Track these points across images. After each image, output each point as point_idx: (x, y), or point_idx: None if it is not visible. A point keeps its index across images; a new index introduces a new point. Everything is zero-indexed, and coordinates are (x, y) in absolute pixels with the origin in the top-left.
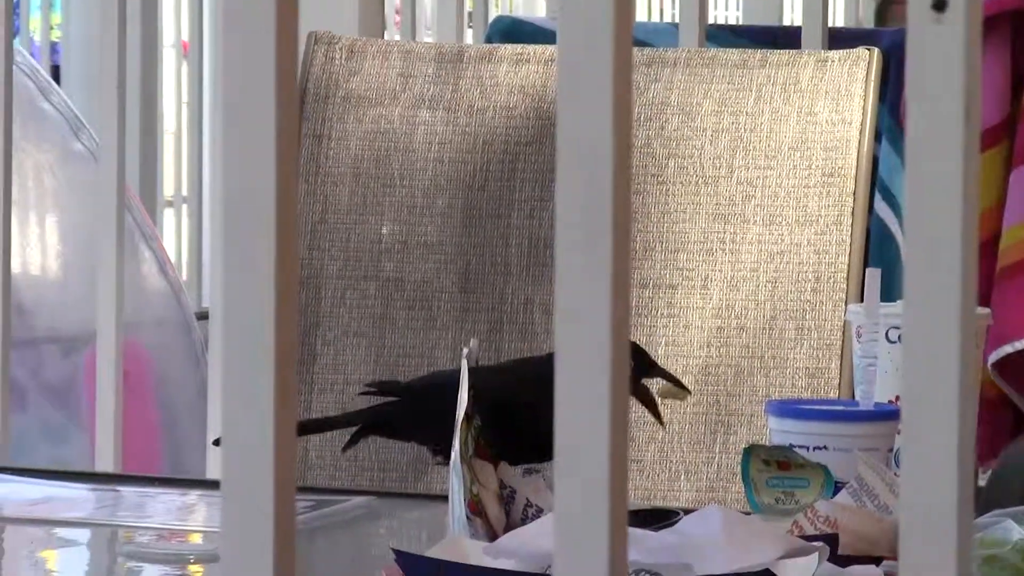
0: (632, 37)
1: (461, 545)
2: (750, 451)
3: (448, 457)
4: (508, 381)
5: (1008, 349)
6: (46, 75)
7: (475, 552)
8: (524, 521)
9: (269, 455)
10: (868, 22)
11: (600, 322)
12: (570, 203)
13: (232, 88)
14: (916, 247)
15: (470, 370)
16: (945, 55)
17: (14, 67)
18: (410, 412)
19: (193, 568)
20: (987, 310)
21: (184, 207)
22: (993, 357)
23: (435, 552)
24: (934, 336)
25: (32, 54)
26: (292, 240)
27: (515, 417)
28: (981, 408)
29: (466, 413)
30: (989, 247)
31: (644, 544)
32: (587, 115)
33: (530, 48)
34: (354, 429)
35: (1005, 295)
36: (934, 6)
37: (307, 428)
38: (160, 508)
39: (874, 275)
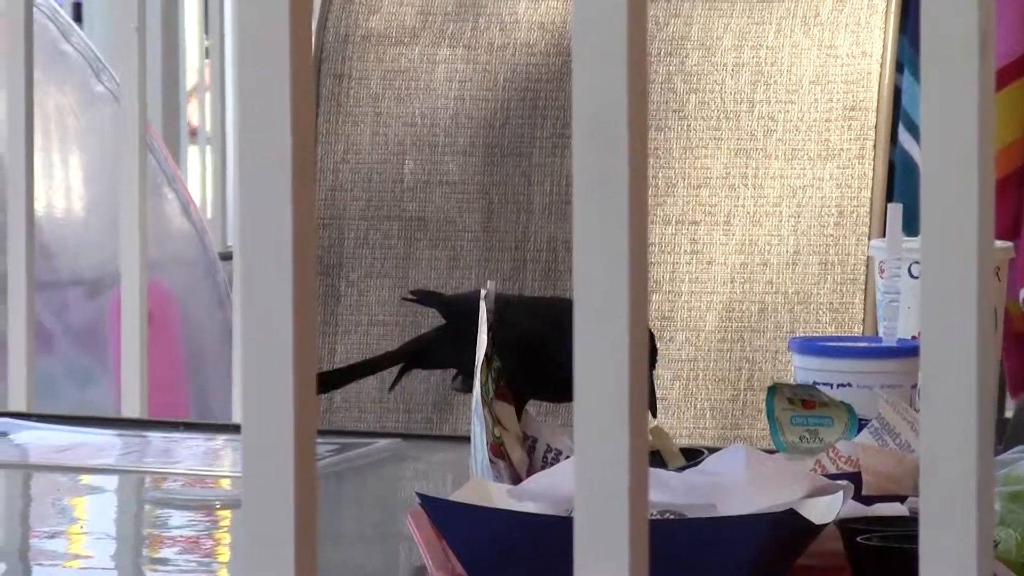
0: None
1: (485, 488)
2: (774, 390)
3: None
4: (538, 317)
5: None
6: (66, 16)
7: (499, 495)
8: (545, 467)
9: (289, 397)
10: None
11: (618, 259)
12: (586, 142)
13: (246, 26)
14: (932, 182)
15: (499, 300)
16: None
17: (34, 9)
18: (449, 337)
19: (220, 514)
20: (1009, 243)
21: (208, 146)
22: None
23: (459, 496)
24: (952, 271)
25: None
26: (309, 179)
27: (541, 354)
28: (1010, 341)
29: (486, 355)
30: (1015, 180)
31: (668, 484)
32: (602, 51)
33: None
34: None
35: None
36: None
37: (351, 373)
38: (187, 453)
39: (896, 210)
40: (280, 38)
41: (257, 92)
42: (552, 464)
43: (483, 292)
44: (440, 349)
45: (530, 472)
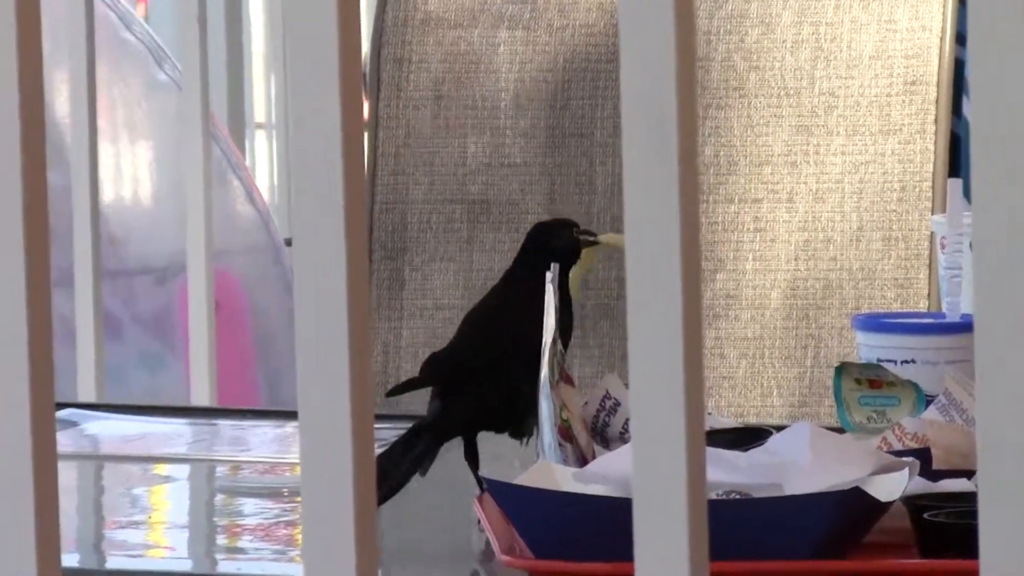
0: None
1: (552, 472)
2: (841, 369)
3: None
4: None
5: None
6: (127, 4)
7: (565, 478)
8: (602, 414)
9: (345, 382)
10: None
11: (671, 240)
12: (636, 121)
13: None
14: (982, 153)
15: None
16: None
17: None
18: (450, 409)
19: (293, 501)
20: None
21: (274, 132)
22: None
23: (525, 479)
24: (1002, 244)
25: None
26: (358, 164)
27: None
28: None
29: (553, 337)
30: None
31: (734, 464)
32: (649, 33)
33: None
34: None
35: None
36: None
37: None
38: (257, 441)
39: (955, 185)
40: (328, 24)
41: (306, 80)
42: (611, 413)
43: (549, 275)
44: (450, 422)
45: (606, 442)
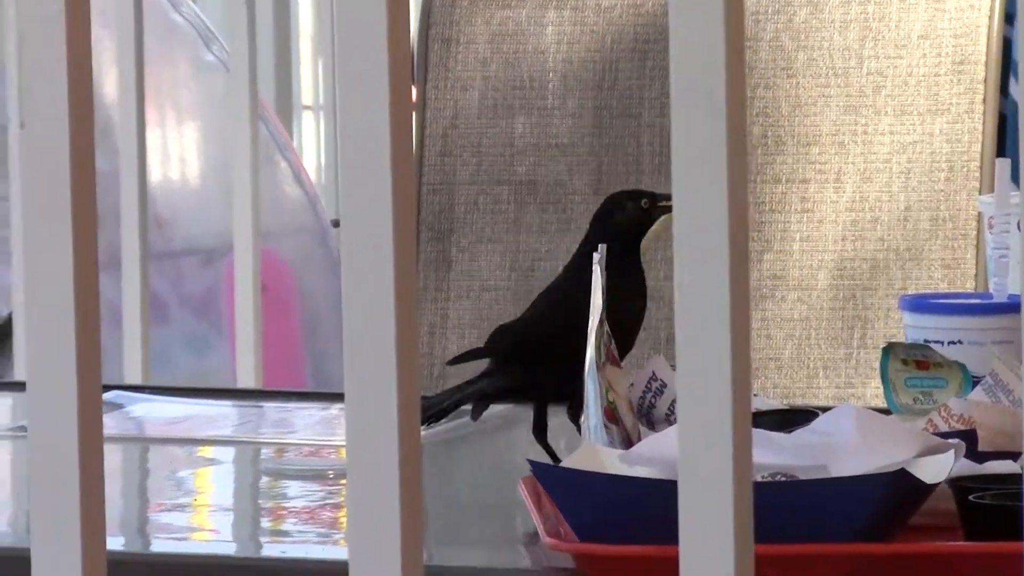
0: None
1: (597, 454)
2: (889, 350)
3: (576, 412)
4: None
5: None
6: None
7: (611, 460)
8: (648, 395)
9: (392, 364)
10: None
11: (719, 222)
12: (685, 101)
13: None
14: None
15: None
16: None
17: None
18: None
19: (339, 483)
20: None
21: (321, 113)
22: None
23: (571, 461)
24: None
25: None
26: (407, 145)
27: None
28: None
29: (600, 318)
30: None
31: (779, 446)
32: (699, 8)
33: None
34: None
35: None
36: None
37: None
38: (302, 423)
39: (1004, 165)
40: (377, 5)
41: (355, 61)
42: (657, 394)
43: (596, 256)
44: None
45: (652, 423)
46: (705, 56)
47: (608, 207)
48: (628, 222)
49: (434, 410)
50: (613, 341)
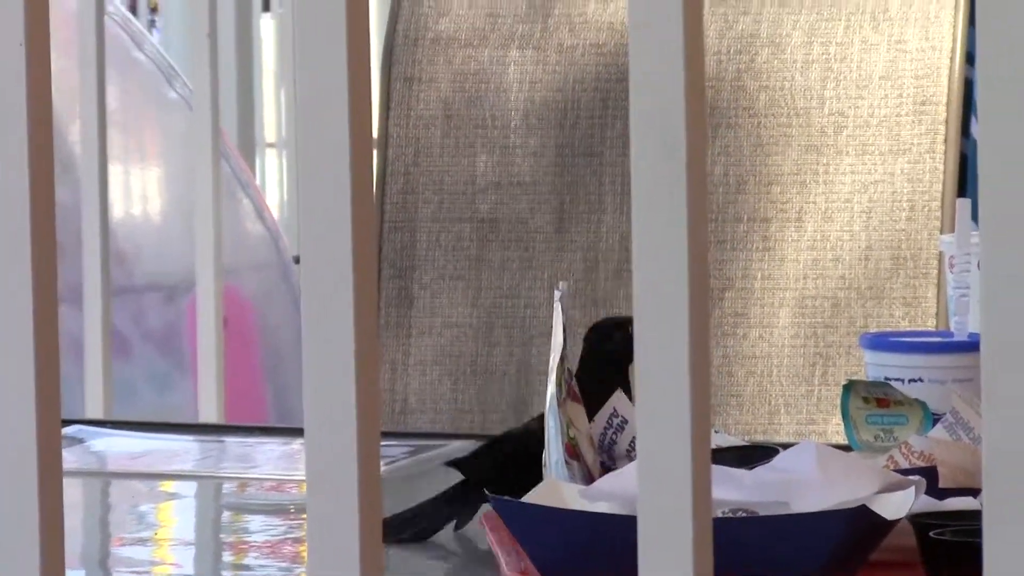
0: None
1: (558, 489)
2: (849, 388)
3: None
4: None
5: None
6: (138, 24)
7: (572, 496)
8: (609, 432)
9: (351, 400)
10: None
11: (679, 261)
12: (645, 141)
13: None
14: (989, 175)
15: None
16: None
17: (106, 18)
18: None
19: (300, 518)
20: None
21: (284, 150)
22: None
23: (532, 497)
24: (1009, 264)
25: None
26: (367, 182)
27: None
28: None
29: (561, 355)
30: None
31: (740, 482)
32: (658, 52)
33: None
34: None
35: None
36: None
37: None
38: (264, 458)
39: (964, 205)
40: (338, 42)
41: (316, 98)
42: (618, 431)
43: (557, 293)
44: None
45: (613, 458)
46: (665, 97)
47: (596, 337)
48: (617, 351)
49: (420, 527)
50: (574, 378)
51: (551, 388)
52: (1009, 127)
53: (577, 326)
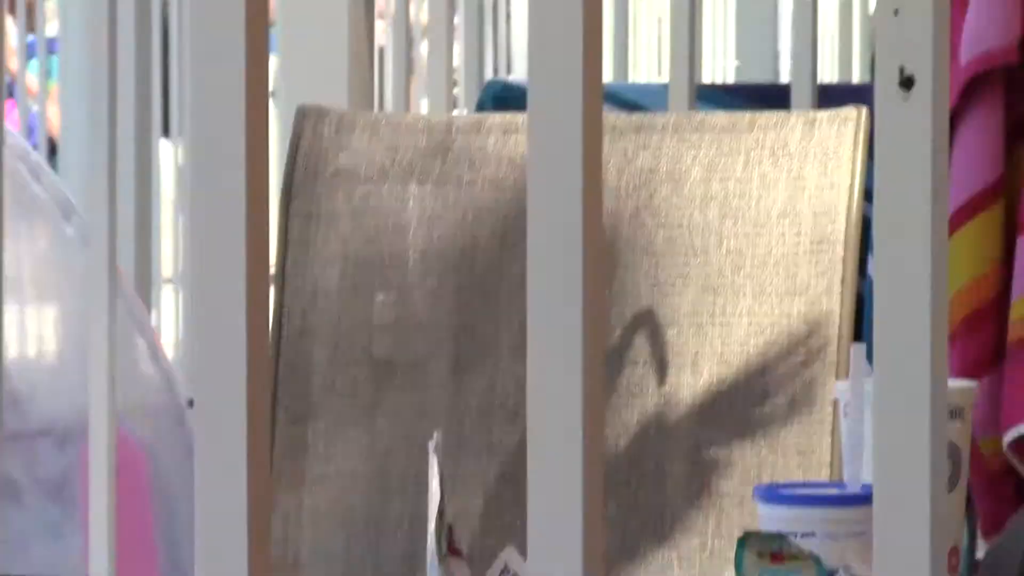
0: (602, 103)
1: None
2: (744, 541)
3: None
4: None
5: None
6: (37, 156)
7: None
8: None
9: (243, 553)
10: (864, 76)
11: (572, 403)
12: (541, 281)
13: (201, 166)
14: (885, 331)
15: None
16: (913, 133)
17: (5, 149)
18: None
19: None
20: (973, 383)
21: (180, 287)
22: (1009, 436)
23: None
24: (904, 417)
25: (31, 125)
26: (263, 326)
27: None
28: (982, 480)
29: (439, 508)
30: (989, 314)
31: None
32: (557, 182)
33: (519, 117)
34: None
35: (1015, 372)
36: (901, 83)
37: None
38: None
39: (859, 350)
40: (236, 177)
41: (211, 235)
42: None
43: (431, 444)
44: None
45: None
46: (563, 235)
47: None
48: None
49: None
50: (453, 532)
51: (431, 543)
52: (903, 271)
53: (471, 474)
